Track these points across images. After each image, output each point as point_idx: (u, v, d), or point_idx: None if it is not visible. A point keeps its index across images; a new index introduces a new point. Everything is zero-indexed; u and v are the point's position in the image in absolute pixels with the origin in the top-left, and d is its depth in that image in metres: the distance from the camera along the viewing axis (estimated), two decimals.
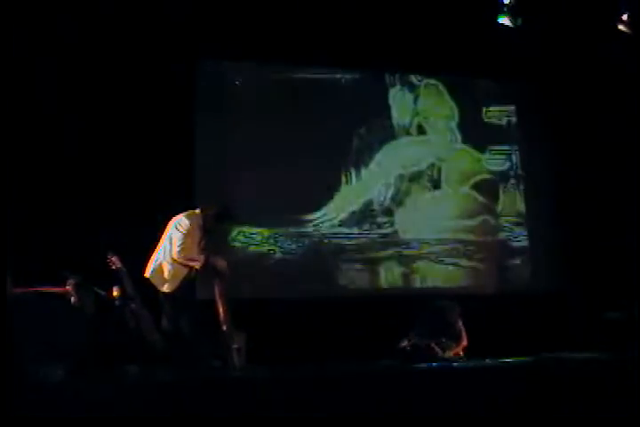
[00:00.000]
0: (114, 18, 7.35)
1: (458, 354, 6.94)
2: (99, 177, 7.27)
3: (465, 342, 7.00)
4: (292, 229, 8.22)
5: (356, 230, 8.50)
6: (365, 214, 8.56)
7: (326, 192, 8.45)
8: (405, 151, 8.86)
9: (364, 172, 8.62)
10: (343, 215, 8.48)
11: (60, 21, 7.13)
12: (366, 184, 8.62)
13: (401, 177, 8.77)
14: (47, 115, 7.14)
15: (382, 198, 8.65)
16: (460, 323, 7.05)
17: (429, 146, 8.98)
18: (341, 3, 7.83)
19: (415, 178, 8.82)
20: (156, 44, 7.61)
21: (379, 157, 8.72)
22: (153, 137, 7.53)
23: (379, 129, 8.78)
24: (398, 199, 8.72)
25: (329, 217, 8.41)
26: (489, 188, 9.10)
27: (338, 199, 8.50)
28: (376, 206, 8.61)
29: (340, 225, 8.44)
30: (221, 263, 6.07)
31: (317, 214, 8.36)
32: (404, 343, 6.81)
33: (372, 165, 8.68)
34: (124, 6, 7.32)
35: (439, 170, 8.92)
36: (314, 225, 8.32)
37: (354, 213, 8.53)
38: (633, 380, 5.56)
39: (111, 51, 7.44)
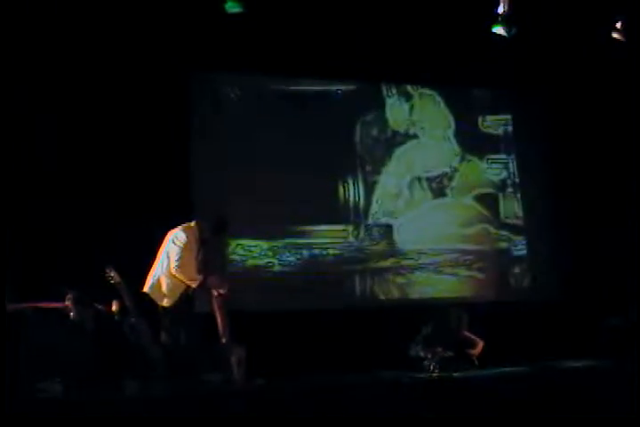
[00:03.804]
0: (108, 29, 7.37)
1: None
2: (96, 191, 7.27)
3: (478, 349, 6.97)
4: (290, 241, 8.21)
5: (355, 241, 8.49)
6: (364, 224, 8.56)
7: (325, 203, 8.45)
8: (414, 159, 8.88)
9: (360, 181, 8.63)
10: (343, 226, 8.48)
11: (55, 30, 7.16)
12: (363, 195, 8.62)
13: (406, 185, 8.78)
14: (46, 128, 7.15)
15: (379, 208, 8.65)
16: (465, 332, 7.04)
17: (438, 154, 9.01)
18: (336, 14, 7.84)
19: (419, 186, 8.83)
20: (151, 57, 7.63)
21: (377, 167, 8.74)
22: (150, 151, 7.54)
23: (377, 138, 8.79)
24: (397, 210, 8.72)
25: (329, 228, 8.41)
26: (489, 198, 9.10)
27: (337, 210, 8.51)
28: (373, 217, 8.61)
29: (340, 236, 8.43)
30: (219, 284, 6.04)
31: (317, 226, 8.36)
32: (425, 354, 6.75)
33: (371, 176, 8.69)
34: (118, 18, 7.34)
35: (450, 178, 8.94)
36: (313, 237, 8.31)
37: (353, 223, 8.52)
38: (633, 387, 5.56)
39: (102, 63, 7.47)
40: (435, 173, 8.92)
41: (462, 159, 9.05)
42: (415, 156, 8.90)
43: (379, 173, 8.73)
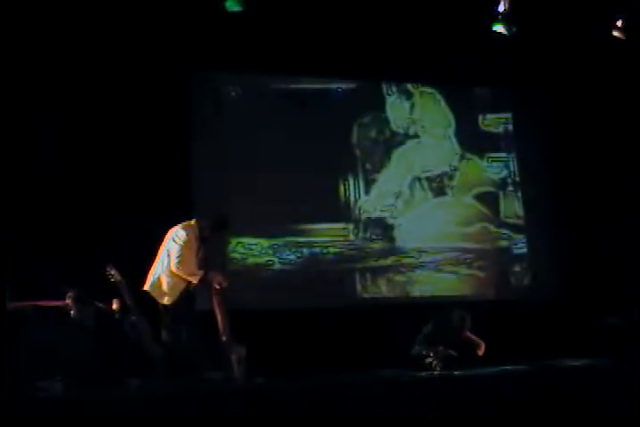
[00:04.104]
0: (109, 29, 7.38)
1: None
2: (97, 190, 7.29)
3: (480, 351, 6.97)
4: (291, 240, 8.22)
5: (356, 239, 8.50)
6: (364, 223, 8.57)
7: (325, 202, 8.46)
8: (414, 158, 8.89)
9: (361, 180, 8.63)
10: (344, 225, 8.49)
11: (55, 30, 7.17)
12: (363, 193, 8.63)
13: (406, 184, 8.79)
14: (47, 128, 7.17)
15: (379, 207, 8.66)
16: (467, 333, 7.04)
17: (438, 153, 9.01)
18: (336, 12, 7.84)
19: (420, 185, 8.83)
20: (151, 56, 7.64)
21: (377, 165, 8.74)
22: (151, 150, 7.55)
23: (377, 138, 8.80)
24: (398, 208, 8.73)
25: (329, 227, 8.42)
26: (489, 197, 9.10)
27: (337, 209, 8.52)
28: (374, 215, 8.62)
29: (340, 235, 8.44)
30: (219, 279, 6.06)
31: (317, 224, 8.36)
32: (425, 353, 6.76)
33: (371, 174, 8.70)
34: (119, 18, 7.35)
35: (450, 177, 8.94)
36: (314, 235, 8.32)
37: (353, 221, 8.53)
38: (632, 386, 5.56)
39: (103, 63, 7.47)
40: (435, 172, 8.91)
41: (462, 158, 9.04)
42: (415, 154, 8.89)
43: (379, 171, 8.73)
